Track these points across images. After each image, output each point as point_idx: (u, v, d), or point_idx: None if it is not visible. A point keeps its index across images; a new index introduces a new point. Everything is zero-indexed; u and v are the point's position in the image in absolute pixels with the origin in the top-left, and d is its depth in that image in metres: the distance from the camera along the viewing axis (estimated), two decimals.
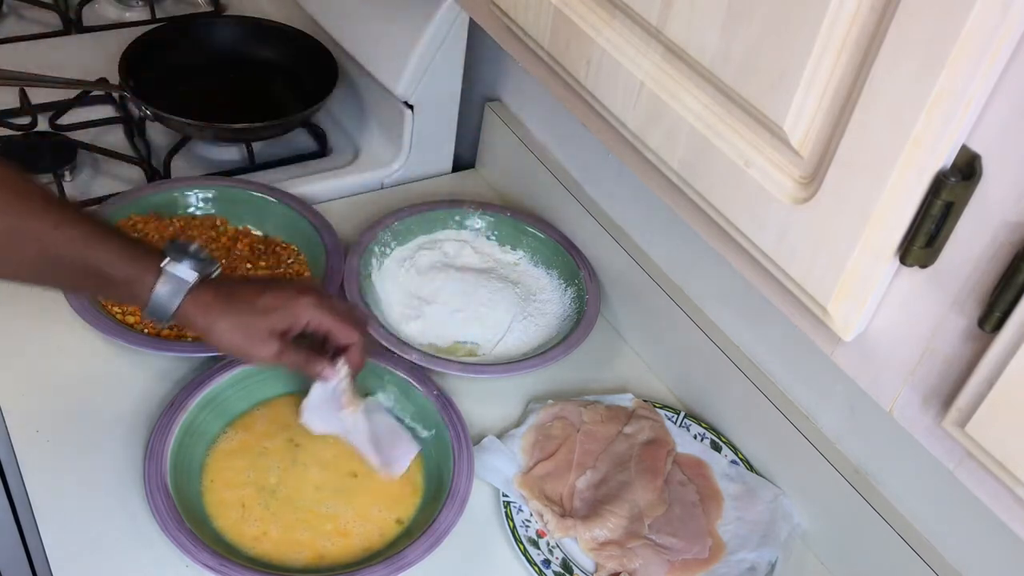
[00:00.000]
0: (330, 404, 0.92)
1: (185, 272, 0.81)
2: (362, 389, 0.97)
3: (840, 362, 0.52)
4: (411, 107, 1.27)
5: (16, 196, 0.76)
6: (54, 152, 1.23)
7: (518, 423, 1.04)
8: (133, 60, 1.28)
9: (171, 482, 0.89)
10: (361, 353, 0.89)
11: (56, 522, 0.88)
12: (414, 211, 1.21)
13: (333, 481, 0.94)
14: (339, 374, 0.89)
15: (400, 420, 1.01)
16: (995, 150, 0.40)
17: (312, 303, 0.85)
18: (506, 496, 0.95)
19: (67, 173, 1.22)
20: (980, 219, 0.42)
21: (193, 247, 0.82)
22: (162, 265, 0.80)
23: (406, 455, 0.96)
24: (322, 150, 1.34)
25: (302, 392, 0.95)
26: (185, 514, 0.87)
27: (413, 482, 0.96)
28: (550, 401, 1.05)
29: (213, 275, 0.84)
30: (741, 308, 1.01)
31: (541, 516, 0.94)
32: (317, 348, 0.89)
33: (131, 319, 1.03)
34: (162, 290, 0.80)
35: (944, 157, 0.41)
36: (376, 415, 0.97)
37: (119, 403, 0.99)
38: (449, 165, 1.39)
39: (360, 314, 0.88)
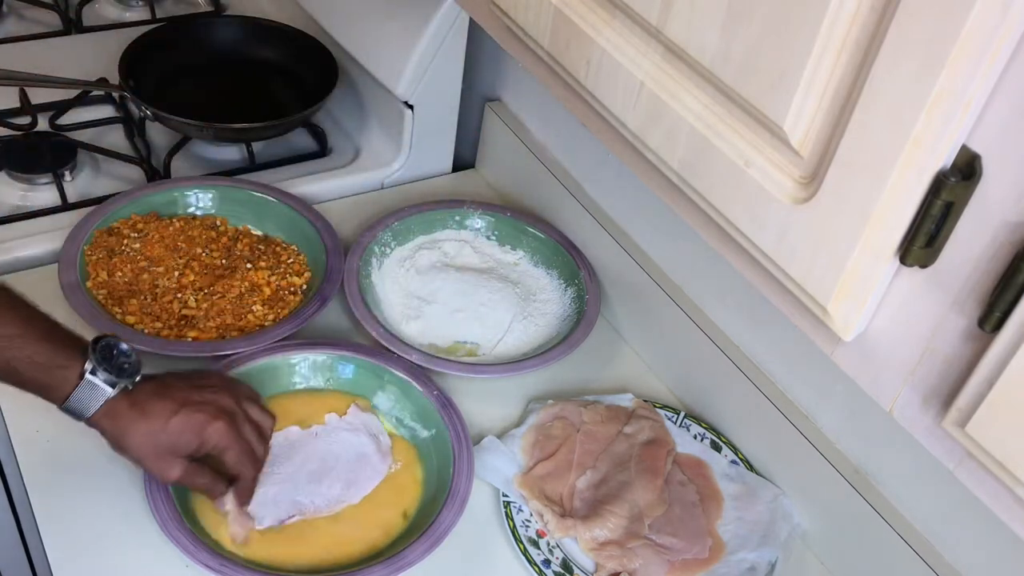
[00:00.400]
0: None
1: (102, 384, 0.81)
2: (357, 387, 0.97)
3: (840, 362, 0.52)
4: (411, 107, 1.27)
5: None
6: (54, 152, 1.23)
7: (518, 423, 1.04)
8: (133, 60, 1.28)
9: None
10: (249, 492, 0.88)
11: (56, 522, 0.88)
12: (414, 211, 1.21)
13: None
14: (224, 506, 0.88)
15: (400, 420, 1.01)
16: (995, 150, 0.40)
17: (222, 430, 0.84)
18: (506, 496, 0.95)
19: (67, 173, 1.22)
20: (980, 219, 0.42)
21: (121, 349, 0.83)
22: (84, 372, 0.80)
23: (370, 480, 0.95)
24: (322, 150, 1.34)
25: (302, 380, 0.95)
26: (185, 514, 0.87)
27: (414, 475, 0.96)
28: (550, 401, 1.05)
29: (132, 384, 0.83)
30: (741, 308, 1.01)
31: (541, 516, 0.94)
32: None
33: (131, 319, 1.03)
34: (78, 397, 0.80)
35: (944, 157, 0.41)
36: (343, 435, 0.98)
37: None
38: (449, 165, 1.39)
39: (262, 450, 0.89)
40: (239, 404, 0.87)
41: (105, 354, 0.82)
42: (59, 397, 0.80)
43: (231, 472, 0.87)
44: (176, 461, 0.84)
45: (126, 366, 0.83)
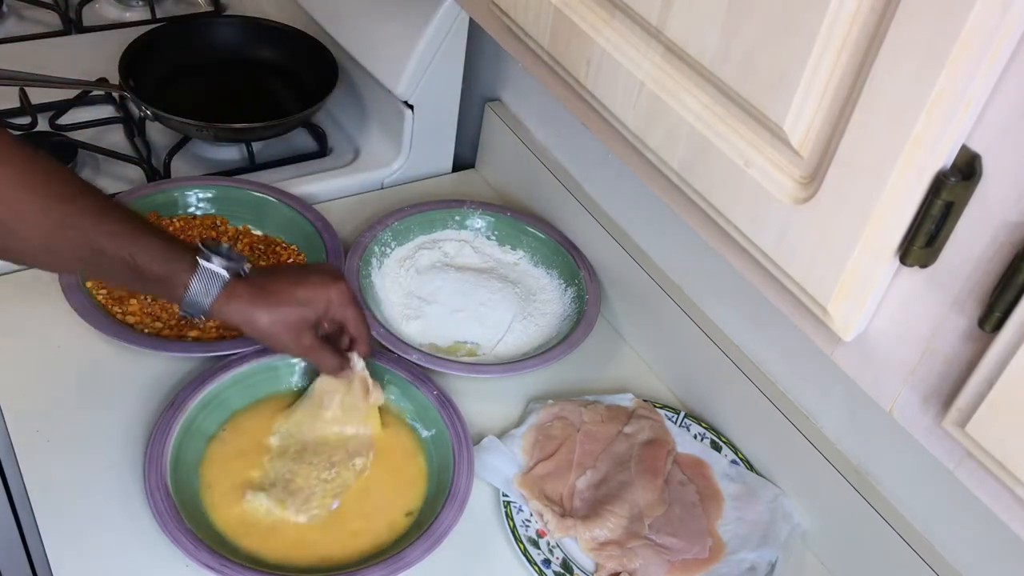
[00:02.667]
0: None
1: (218, 269, 0.84)
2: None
3: (840, 362, 0.52)
4: (411, 107, 1.27)
5: (65, 191, 0.79)
6: (54, 152, 1.23)
7: (518, 423, 1.04)
8: (133, 60, 1.28)
9: (171, 482, 0.89)
10: (365, 344, 0.95)
11: (56, 522, 0.88)
12: (414, 211, 1.21)
13: (335, 480, 0.94)
14: (358, 366, 0.94)
15: (400, 420, 1.01)
16: (995, 150, 0.40)
17: (344, 290, 0.90)
18: (506, 496, 0.95)
19: None
20: (980, 219, 0.42)
21: (224, 247, 0.86)
22: (198, 262, 0.83)
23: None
24: (322, 150, 1.34)
25: (299, 390, 0.95)
26: (185, 514, 0.87)
27: (419, 469, 0.97)
28: (550, 401, 1.05)
29: (246, 270, 0.87)
30: (741, 308, 1.01)
31: (541, 516, 0.94)
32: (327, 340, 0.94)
33: (131, 319, 1.03)
34: (196, 287, 0.83)
35: (944, 157, 0.41)
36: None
37: (119, 403, 0.99)
38: (449, 165, 1.39)
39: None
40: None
41: (212, 247, 0.85)
42: (178, 289, 0.83)
43: (353, 332, 0.93)
44: (306, 332, 0.88)
45: (233, 255, 0.86)
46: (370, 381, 0.96)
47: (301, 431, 0.97)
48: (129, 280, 0.84)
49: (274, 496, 0.91)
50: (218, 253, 0.84)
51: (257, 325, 0.86)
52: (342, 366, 0.94)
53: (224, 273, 0.84)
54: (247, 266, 0.87)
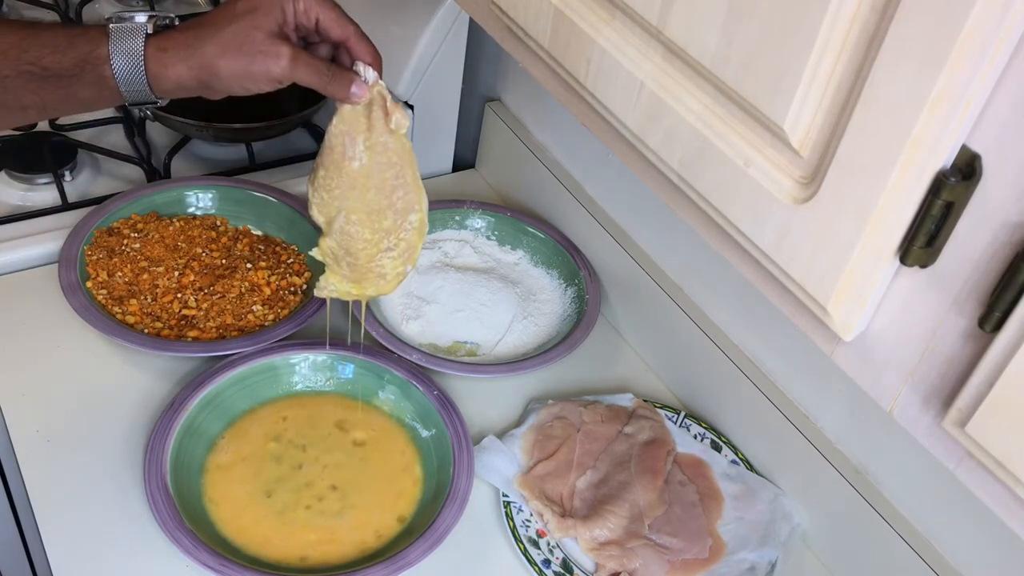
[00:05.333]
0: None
1: (133, 22, 0.70)
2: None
3: (840, 362, 0.52)
4: (411, 107, 1.27)
5: None
6: (54, 152, 1.23)
7: (518, 423, 1.04)
8: None
9: (171, 482, 0.89)
10: (367, 44, 0.76)
11: (56, 522, 0.88)
12: None
13: (335, 480, 0.94)
14: (370, 81, 0.76)
15: (400, 420, 1.01)
16: (995, 150, 0.40)
17: None
18: (506, 496, 0.95)
19: (67, 173, 1.22)
20: (980, 219, 0.42)
21: (141, 13, 0.73)
22: (108, 26, 0.70)
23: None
24: None
25: (299, 391, 0.95)
26: (185, 514, 0.87)
27: (413, 475, 0.96)
28: (550, 401, 1.05)
29: (173, 19, 0.73)
30: (741, 308, 1.01)
31: (541, 516, 0.94)
32: None
33: (131, 319, 1.03)
34: (118, 53, 0.69)
35: (944, 157, 0.41)
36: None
37: (119, 403, 0.99)
38: (449, 165, 1.39)
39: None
40: None
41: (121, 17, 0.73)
42: (101, 67, 0.69)
43: (338, 35, 0.74)
44: (274, 42, 0.70)
45: (156, 13, 0.74)
46: (388, 97, 0.78)
47: (333, 197, 0.82)
48: (50, 94, 0.70)
49: (346, 280, 0.85)
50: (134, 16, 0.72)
51: (206, 65, 0.69)
52: (351, 79, 0.75)
53: (142, 20, 0.70)
54: (174, 17, 0.73)
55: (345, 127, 0.78)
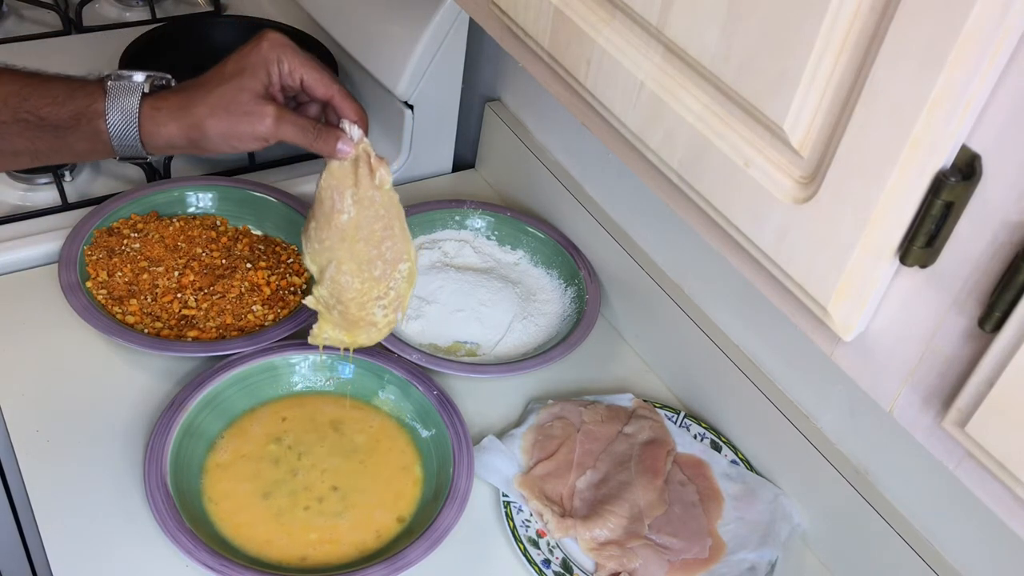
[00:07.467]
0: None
1: (131, 81, 0.73)
2: None
3: (840, 362, 0.52)
4: (411, 107, 1.27)
5: None
6: None
7: (518, 423, 1.04)
8: (133, 60, 1.28)
9: (171, 482, 0.89)
10: (351, 102, 0.79)
11: (56, 522, 0.88)
12: (414, 211, 1.21)
13: (334, 481, 0.94)
14: (355, 138, 0.79)
15: (400, 420, 1.01)
16: (995, 150, 0.40)
17: (277, 41, 0.75)
18: (506, 496, 0.95)
19: (67, 173, 1.22)
20: (980, 219, 0.42)
21: (139, 72, 0.76)
22: (107, 84, 0.74)
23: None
24: None
25: (299, 391, 0.95)
26: (185, 514, 0.87)
27: (413, 476, 0.96)
28: (550, 401, 1.05)
29: (169, 80, 0.77)
30: (741, 308, 1.01)
31: (541, 516, 0.94)
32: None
33: (131, 319, 1.03)
34: (114, 110, 0.72)
35: (944, 157, 0.41)
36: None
37: (119, 403, 0.99)
38: (449, 165, 1.39)
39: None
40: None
41: (124, 74, 0.76)
42: (96, 122, 0.72)
43: (323, 94, 0.77)
44: (259, 104, 0.73)
45: (152, 73, 0.76)
46: (372, 154, 0.81)
47: (324, 248, 0.86)
48: (45, 142, 0.72)
49: (338, 328, 0.88)
50: (132, 74, 0.75)
51: (199, 123, 0.73)
52: (337, 137, 0.78)
53: (139, 79, 0.73)
54: (170, 78, 0.76)
55: (334, 182, 0.82)
